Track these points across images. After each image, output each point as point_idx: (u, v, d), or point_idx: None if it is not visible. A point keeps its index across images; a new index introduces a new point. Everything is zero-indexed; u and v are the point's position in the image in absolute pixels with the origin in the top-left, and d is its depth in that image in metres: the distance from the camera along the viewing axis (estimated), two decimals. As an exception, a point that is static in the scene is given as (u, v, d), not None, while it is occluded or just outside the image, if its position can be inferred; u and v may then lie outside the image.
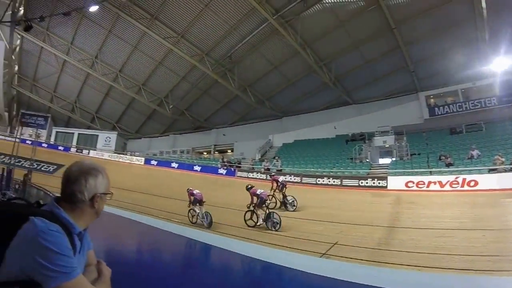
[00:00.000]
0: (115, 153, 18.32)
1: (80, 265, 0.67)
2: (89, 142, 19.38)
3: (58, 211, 0.65)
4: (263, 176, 12.77)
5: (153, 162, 16.70)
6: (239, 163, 15.19)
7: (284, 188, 7.26)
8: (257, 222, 5.60)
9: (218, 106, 17.12)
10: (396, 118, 13.74)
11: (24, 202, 0.75)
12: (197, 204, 6.16)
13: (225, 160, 15.80)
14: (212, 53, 14.33)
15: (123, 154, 18.48)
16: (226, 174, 14.66)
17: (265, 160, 14.50)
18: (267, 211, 5.58)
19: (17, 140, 11.43)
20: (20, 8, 14.64)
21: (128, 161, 17.29)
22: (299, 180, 11.97)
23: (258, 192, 5.76)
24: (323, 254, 4.07)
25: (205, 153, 19.06)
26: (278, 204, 7.20)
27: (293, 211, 6.90)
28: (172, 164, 16.10)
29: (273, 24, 11.80)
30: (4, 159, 14.18)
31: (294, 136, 15.99)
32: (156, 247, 3.38)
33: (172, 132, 19.43)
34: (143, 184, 12.93)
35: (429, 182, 9.28)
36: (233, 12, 12.44)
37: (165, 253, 3.10)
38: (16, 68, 17.23)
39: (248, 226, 5.69)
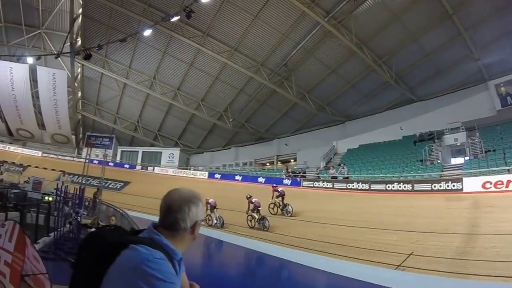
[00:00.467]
0: (179, 168, 19.16)
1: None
2: (153, 159, 20.40)
3: (158, 238, 0.66)
4: (330, 185, 12.67)
5: (217, 175, 17.24)
6: (304, 173, 15.16)
7: (282, 197, 8.94)
8: (252, 224, 7.80)
9: (278, 116, 17.29)
10: (466, 112, 12.46)
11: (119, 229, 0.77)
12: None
13: (289, 170, 15.92)
14: (267, 63, 14.52)
15: (186, 169, 19.25)
16: (291, 184, 14.58)
17: (331, 167, 14.06)
18: (260, 215, 7.71)
19: (87, 160, 12.33)
20: (78, 39, 15.40)
21: (192, 176, 18.00)
22: (367, 188, 11.60)
23: (253, 200, 7.80)
24: (398, 266, 3.86)
25: (267, 164, 19.47)
26: (279, 210, 8.89)
27: (290, 216, 8.68)
28: (236, 177, 16.51)
29: (326, 27, 11.55)
30: (74, 179, 15.39)
31: (358, 140, 15.57)
32: (235, 262, 3.57)
33: (234, 145, 19.91)
34: (207, 197, 13.79)
35: (508, 181, 8.32)
36: (283, 19, 12.38)
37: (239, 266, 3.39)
38: (80, 94, 18.21)
39: (250, 227, 7.85)
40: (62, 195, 6.92)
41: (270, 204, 9.09)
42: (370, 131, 15.30)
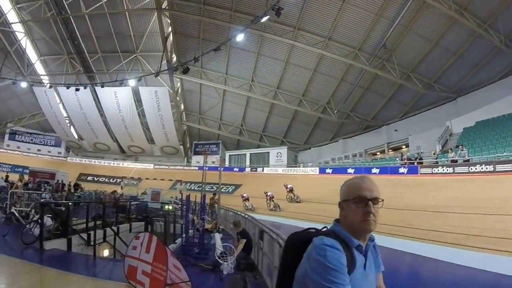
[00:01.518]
0: (288, 167, 30.87)
1: (363, 281, 1.15)
2: (262, 160, 32.74)
3: (337, 228, 1.19)
4: (449, 170, 17.49)
5: (328, 170, 27.73)
6: (421, 159, 21.69)
7: (292, 191, 22.18)
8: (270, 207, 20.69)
9: (384, 101, 25.82)
10: None
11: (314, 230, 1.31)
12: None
13: (404, 157, 23.42)
14: (364, 47, 21.86)
15: (296, 166, 30.91)
16: (408, 173, 20.15)
17: (449, 150, 19.72)
18: (274, 203, 20.78)
19: (205, 168, 24.63)
20: (173, 56, 26.51)
21: (302, 173, 29.41)
22: (492, 169, 15.30)
23: (269, 193, 21.08)
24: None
25: (378, 153, 28.56)
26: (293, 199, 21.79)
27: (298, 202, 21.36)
28: (348, 170, 26.19)
29: (419, -3, 17.77)
30: (189, 187, 28.48)
31: (474, 117, 20.40)
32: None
33: (341, 137, 29.87)
34: (320, 194, 22.46)
35: None
36: (372, -1, 19.60)
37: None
38: (182, 106, 30.56)
39: (269, 209, 20.67)
40: (183, 203, 13.05)
41: (286, 196, 22.19)
42: (486, 105, 19.73)
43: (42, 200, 10.57)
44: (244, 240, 7.19)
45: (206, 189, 27.46)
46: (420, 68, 22.18)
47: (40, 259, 6.21)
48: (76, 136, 37.52)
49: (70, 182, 21.75)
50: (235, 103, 29.92)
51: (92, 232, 8.38)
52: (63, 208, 8.39)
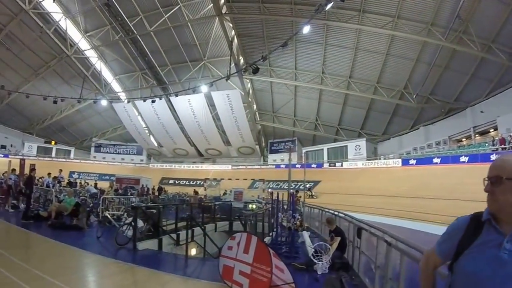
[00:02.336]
0: (368, 160, 39.69)
1: (490, 260, 1.63)
2: (340, 155, 42.29)
3: None
4: None
5: (412, 161, 35.07)
6: None
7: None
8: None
9: (465, 79, 29.73)
10: None
11: None
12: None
13: (496, 140, 28.60)
14: (437, 20, 26.15)
15: (376, 159, 39.53)
16: None
17: None
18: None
19: (300, 166, 36.70)
20: (240, 58, 38.29)
21: (384, 166, 37.65)
22: None
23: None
24: None
25: (463, 139, 33.46)
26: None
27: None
28: (433, 160, 32.95)
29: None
30: (268, 185, 41.10)
31: None
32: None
33: (422, 124, 36.84)
34: (404, 187, 28.15)
35: None
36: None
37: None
38: (255, 106, 42.40)
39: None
40: (272, 201, 18.39)
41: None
42: None
43: (132, 204, 15.49)
44: (339, 238, 8.78)
45: (284, 186, 39.77)
46: (501, 37, 25.39)
47: (134, 259, 8.65)
48: (156, 144, 52.90)
49: (154, 186, 33.30)
50: (308, 98, 39.38)
51: (180, 232, 11.75)
52: (155, 211, 11.86)
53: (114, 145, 58.60)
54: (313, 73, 37.03)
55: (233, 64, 34.50)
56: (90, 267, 8.15)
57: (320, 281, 7.37)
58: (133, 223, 10.31)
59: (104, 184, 29.35)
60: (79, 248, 9.49)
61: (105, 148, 58.60)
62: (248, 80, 40.13)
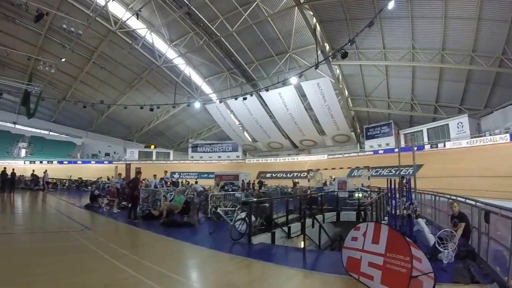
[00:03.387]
0: (472, 138, 39.87)
1: None
2: (441, 134, 42.90)
3: None
4: None
5: None
6: None
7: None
8: None
9: None
10: None
11: None
12: None
13: None
14: None
15: (481, 136, 39.37)
16: None
17: None
18: None
19: (395, 150, 37.47)
20: (325, 45, 40.33)
21: (490, 143, 37.59)
22: None
23: None
24: None
25: None
26: None
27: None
28: None
29: None
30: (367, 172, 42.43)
31: None
32: None
33: None
34: None
35: None
36: None
37: None
38: (346, 92, 44.41)
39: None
40: (389, 189, 16.90)
41: None
42: None
43: (238, 199, 17.42)
44: (463, 224, 8.73)
45: (384, 173, 41.69)
46: None
47: (252, 254, 9.30)
48: (250, 139, 57.10)
49: (254, 180, 35.87)
50: (401, 77, 40.14)
51: (291, 225, 12.67)
52: (267, 205, 12.62)
53: (210, 144, 64.91)
54: (403, 50, 37.45)
55: (319, 52, 35.76)
56: (211, 262, 8.86)
57: (447, 271, 7.46)
58: (247, 218, 11.15)
59: (204, 182, 32.67)
60: (195, 244, 10.74)
61: (201, 148, 65.36)
62: (336, 66, 41.55)
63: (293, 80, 39.08)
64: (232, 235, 11.07)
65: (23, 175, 38.31)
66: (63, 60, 38.95)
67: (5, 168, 30.55)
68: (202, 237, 12.24)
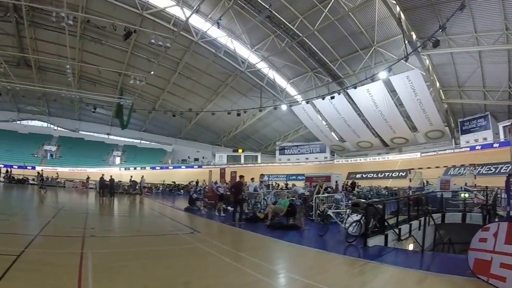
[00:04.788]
0: None
1: None
2: None
3: None
4: None
5: None
6: None
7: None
8: None
9: None
10: None
11: None
12: None
13: None
14: None
15: None
16: None
17: None
18: None
19: (495, 145, 35.88)
20: (411, 34, 39.98)
21: None
22: None
23: None
24: None
25: None
26: None
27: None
28: None
29: None
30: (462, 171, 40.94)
31: None
32: None
33: None
34: None
35: None
36: None
37: None
38: (438, 84, 43.83)
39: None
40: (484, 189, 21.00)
41: None
42: None
43: (354, 200, 17.50)
44: None
45: (483, 171, 40.14)
46: None
47: (372, 256, 9.59)
48: (338, 140, 57.22)
49: (346, 181, 35.86)
50: (496, 63, 38.24)
51: (401, 227, 12.81)
52: (381, 206, 12.65)
53: (297, 146, 65.76)
54: (496, 32, 35.64)
55: (406, 42, 35.34)
56: (335, 265, 9.13)
57: None
58: (362, 220, 11.53)
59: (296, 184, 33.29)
60: (310, 247, 11.07)
61: (288, 150, 66.55)
62: (425, 57, 40.29)
63: (382, 75, 38.74)
64: (347, 238, 11.53)
65: (120, 181, 41.43)
66: (152, 73, 42.33)
67: (103, 174, 34.34)
68: (314, 240, 12.65)
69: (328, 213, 15.70)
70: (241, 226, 15.80)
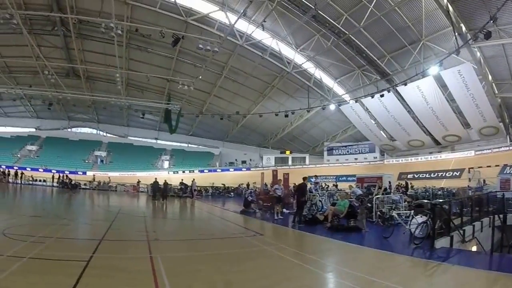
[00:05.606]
0: None
1: None
2: None
3: None
4: None
5: None
6: None
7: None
8: None
9: None
10: None
11: None
12: None
13: None
14: None
15: None
16: None
17: None
18: None
19: None
20: (461, 25, 39.57)
21: None
22: None
23: None
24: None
25: None
26: None
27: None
28: None
29: None
30: None
31: None
32: None
33: None
34: None
35: None
36: None
37: None
38: (490, 77, 43.47)
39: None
40: None
41: None
42: None
43: (416, 201, 17.89)
44: None
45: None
46: None
47: (437, 257, 9.92)
48: (388, 139, 56.76)
49: (399, 182, 36.23)
50: None
51: (466, 228, 12.95)
52: (447, 207, 12.70)
53: (345, 146, 65.19)
54: None
55: (456, 34, 34.76)
56: (406, 267, 9.36)
57: None
58: (429, 222, 11.64)
59: (343, 186, 34.55)
60: (378, 249, 11.27)
61: (337, 150, 66.07)
62: (476, 49, 39.66)
63: (433, 70, 38.47)
64: (414, 240, 11.84)
65: (171, 184, 42.57)
66: (200, 77, 43.17)
67: (156, 178, 36.10)
68: (380, 242, 12.80)
69: (392, 214, 15.84)
70: (301, 228, 16.09)
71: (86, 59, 49.71)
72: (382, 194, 20.28)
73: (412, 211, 14.42)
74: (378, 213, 17.64)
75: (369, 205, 18.54)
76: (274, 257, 9.98)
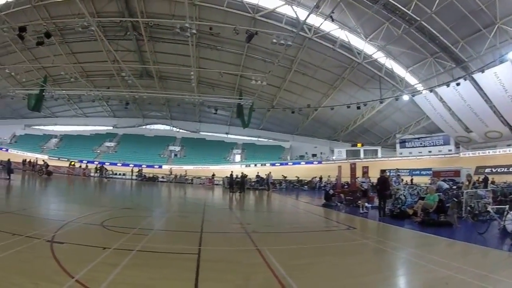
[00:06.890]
0: None
1: None
2: None
3: None
4: None
5: None
6: None
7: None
8: None
9: None
10: None
11: None
12: None
13: None
14: None
15: None
16: None
17: None
18: None
19: None
20: None
21: None
22: None
23: None
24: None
25: None
26: None
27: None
28: None
29: None
30: None
31: None
32: None
33: None
34: None
35: None
36: None
37: None
38: None
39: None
40: None
41: None
42: None
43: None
44: None
45: None
46: None
47: None
48: (464, 130, 55.22)
49: (479, 177, 34.78)
50: None
51: None
52: None
53: (418, 138, 63.64)
54: None
55: None
56: None
57: None
58: None
59: (417, 180, 34.64)
60: (476, 244, 11.12)
61: (410, 143, 64.73)
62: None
63: (511, 55, 37.17)
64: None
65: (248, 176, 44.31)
66: (270, 72, 44.14)
67: (232, 171, 37.31)
68: (476, 237, 12.35)
69: (488, 209, 15.32)
70: (389, 221, 16.29)
71: (158, 60, 53.29)
72: (471, 188, 19.65)
73: (507, 206, 13.87)
74: (468, 208, 17.19)
75: (455, 200, 17.81)
76: (379, 251, 10.26)
